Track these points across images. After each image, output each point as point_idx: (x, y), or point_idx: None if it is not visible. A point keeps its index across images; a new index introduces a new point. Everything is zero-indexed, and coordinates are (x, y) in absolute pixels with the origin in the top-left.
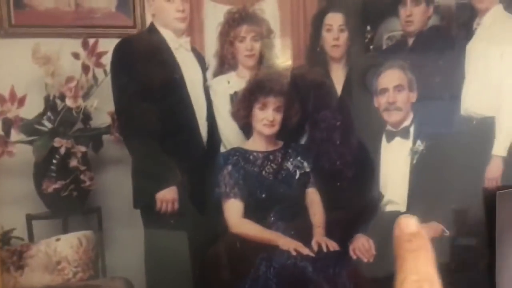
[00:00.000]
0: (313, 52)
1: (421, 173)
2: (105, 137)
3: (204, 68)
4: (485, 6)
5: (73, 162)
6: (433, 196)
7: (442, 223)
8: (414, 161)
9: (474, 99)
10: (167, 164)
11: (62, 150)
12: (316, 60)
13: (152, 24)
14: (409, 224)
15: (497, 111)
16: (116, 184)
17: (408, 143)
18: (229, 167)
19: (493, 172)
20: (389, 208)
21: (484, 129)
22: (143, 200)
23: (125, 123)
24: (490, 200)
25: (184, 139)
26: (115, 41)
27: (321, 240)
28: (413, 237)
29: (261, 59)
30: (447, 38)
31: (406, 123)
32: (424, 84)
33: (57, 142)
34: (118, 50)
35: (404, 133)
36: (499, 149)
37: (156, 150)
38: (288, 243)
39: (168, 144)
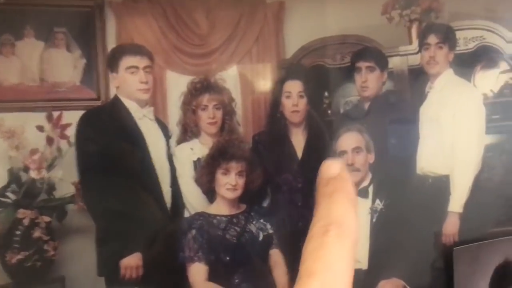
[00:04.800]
0: (274, 118)
1: (381, 231)
2: (69, 206)
3: (167, 136)
4: (436, 71)
5: (37, 233)
6: (394, 253)
7: (402, 280)
8: (374, 220)
9: (429, 159)
10: (131, 231)
11: (26, 221)
12: (277, 126)
13: (116, 96)
14: (330, 168)
15: (451, 169)
16: (80, 252)
17: (368, 202)
18: (193, 232)
19: (450, 228)
20: None
21: (439, 187)
22: (108, 268)
23: (89, 192)
24: (448, 256)
25: (148, 206)
26: (80, 113)
27: None
28: (331, 180)
29: (223, 126)
30: (401, 102)
31: (365, 183)
32: (381, 146)
33: (21, 213)
34: (82, 122)
35: (363, 193)
36: (455, 206)
37: (120, 217)
38: None
39: (132, 211)
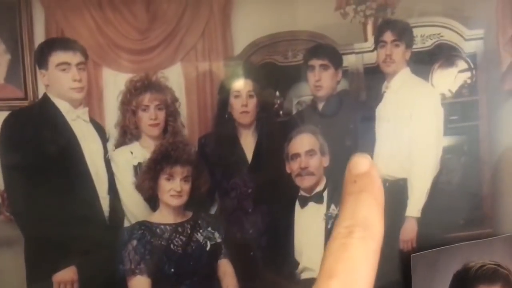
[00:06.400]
0: (221, 119)
1: None
2: None
3: (104, 139)
4: (393, 70)
5: None
6: None
7: None
8: (329, 226)
9: (385, 162)
10: (65, 243)
11: None
12: (225, 127)
13: (45, 95)
14: (359, 164)
15: (408, 172)
16: (7, 267)
17: (322, 208)
18: (134, 242)
19: (408, 234)
20: (304, 275)
21: (396, 191)
22: (39, 284)
23: (16, 201)
24: (405, 262)
25: (83, 215)
26: (4, 114)
27: None
28: (359, 177)
29: (166, 128)
30: (356, 102)
31: (319, 188)
32: (336, 148)
33: None
34: (7, 124)
35: (318, 198)
36: (412, 210)
37: (51, 228)
38: None
39: (66, 221)
